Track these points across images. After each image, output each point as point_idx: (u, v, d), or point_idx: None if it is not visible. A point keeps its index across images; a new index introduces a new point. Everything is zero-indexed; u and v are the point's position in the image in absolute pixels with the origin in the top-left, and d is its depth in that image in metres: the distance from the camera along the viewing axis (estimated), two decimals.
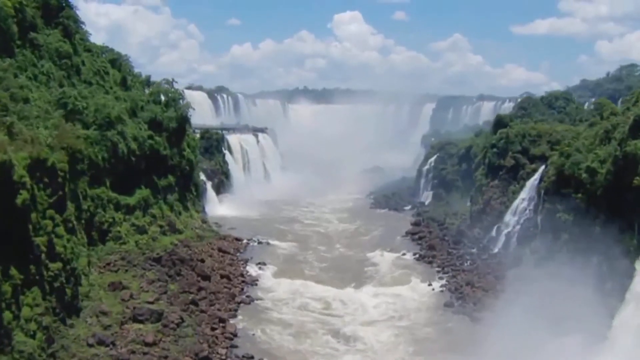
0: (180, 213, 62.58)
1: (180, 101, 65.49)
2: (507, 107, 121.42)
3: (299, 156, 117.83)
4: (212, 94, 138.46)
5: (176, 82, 67.07)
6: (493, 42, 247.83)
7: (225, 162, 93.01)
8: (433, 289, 52.41)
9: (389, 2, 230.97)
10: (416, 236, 70.29)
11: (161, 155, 59.93)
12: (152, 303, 41.02)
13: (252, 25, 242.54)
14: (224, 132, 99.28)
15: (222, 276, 51.04)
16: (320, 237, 71.44)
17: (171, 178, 61.94)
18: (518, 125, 64.97)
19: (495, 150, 63.68)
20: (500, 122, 67.13)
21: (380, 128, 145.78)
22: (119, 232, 50.53)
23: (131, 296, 41.21)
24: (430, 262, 60.17)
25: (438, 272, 57.30)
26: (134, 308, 39.04)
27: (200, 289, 46.12)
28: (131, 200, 53.64)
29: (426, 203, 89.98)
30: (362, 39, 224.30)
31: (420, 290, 52.22)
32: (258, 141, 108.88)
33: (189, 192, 67.35)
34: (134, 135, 55.07)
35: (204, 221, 67.87)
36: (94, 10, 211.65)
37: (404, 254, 63.21)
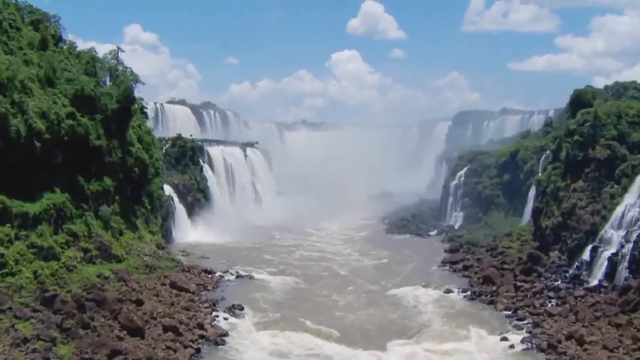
0: (121, 233, 43.10)
1: (128, 73, 46.67)
2: (537, 120, 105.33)
3: (296, 181, 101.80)
4: (196, 110, 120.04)
5: (123, 51, 48.44)
6: (490, 79, 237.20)
7: (204, 178, 74.02)
8: (512, 346, 32.53)
9: (386, 41, 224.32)
10: (459, 265, 51.48)
11: (92, 147, 40.83)
12: None
13: (251, 64, 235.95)
14: (203, 143, 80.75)
15: (165, 328, 30.80)
16: (324, 269, 51.81)
17: (108, 181, 42.86)
18: (605, 104, 45.75)
19: (576, 138, 44.36)
20: (579, 100, 47.39)
21: (386, 152, 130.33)
22: (3, 256, 31.30)
23: None
24: (491, 302, 40.59)
25: (508, 317, 37.59)
26: None
27: (115, 353, 25.89)
28: (32, 208, 35.04)
29: (456, 226, 74.21)
30: (360, 78, 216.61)
31: (491, 349, 32.31)
32: (246, 155, 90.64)
33: (139, 204, 47.90)
34: (42, 111, 36.13)
35: (161, 247, 48.04)
36: None
37: (448, 291, 43.36)
